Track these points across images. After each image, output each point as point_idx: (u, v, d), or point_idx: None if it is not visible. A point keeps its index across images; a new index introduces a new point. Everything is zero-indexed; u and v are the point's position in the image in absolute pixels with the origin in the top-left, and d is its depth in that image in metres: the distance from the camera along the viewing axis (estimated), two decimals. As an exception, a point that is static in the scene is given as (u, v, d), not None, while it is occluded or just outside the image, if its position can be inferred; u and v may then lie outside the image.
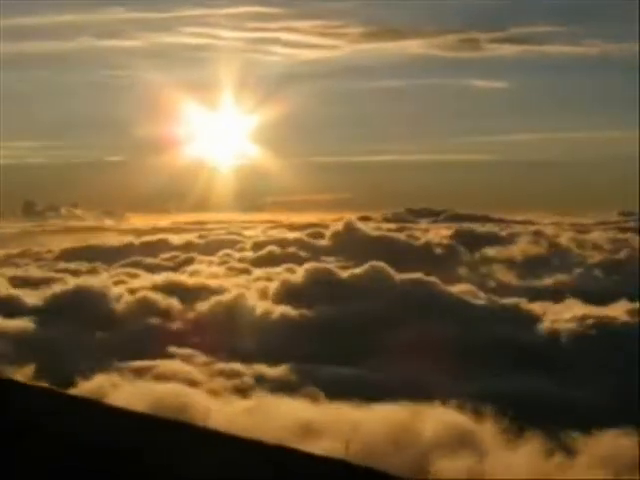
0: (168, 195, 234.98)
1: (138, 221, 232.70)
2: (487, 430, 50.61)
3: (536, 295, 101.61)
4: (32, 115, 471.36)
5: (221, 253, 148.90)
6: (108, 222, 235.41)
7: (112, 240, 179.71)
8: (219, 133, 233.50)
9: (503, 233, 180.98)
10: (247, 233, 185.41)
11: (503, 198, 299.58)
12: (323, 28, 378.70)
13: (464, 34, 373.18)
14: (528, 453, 47.25)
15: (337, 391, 59.62)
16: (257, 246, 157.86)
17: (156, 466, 11.38)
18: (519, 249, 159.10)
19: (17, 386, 14.04)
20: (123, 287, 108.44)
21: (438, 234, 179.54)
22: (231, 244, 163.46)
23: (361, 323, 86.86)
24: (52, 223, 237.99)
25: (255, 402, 59.33)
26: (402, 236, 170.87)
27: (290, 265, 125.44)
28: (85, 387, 58.93)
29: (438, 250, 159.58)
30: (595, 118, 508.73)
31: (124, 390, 59.51)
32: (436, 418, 52.19)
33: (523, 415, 51.15)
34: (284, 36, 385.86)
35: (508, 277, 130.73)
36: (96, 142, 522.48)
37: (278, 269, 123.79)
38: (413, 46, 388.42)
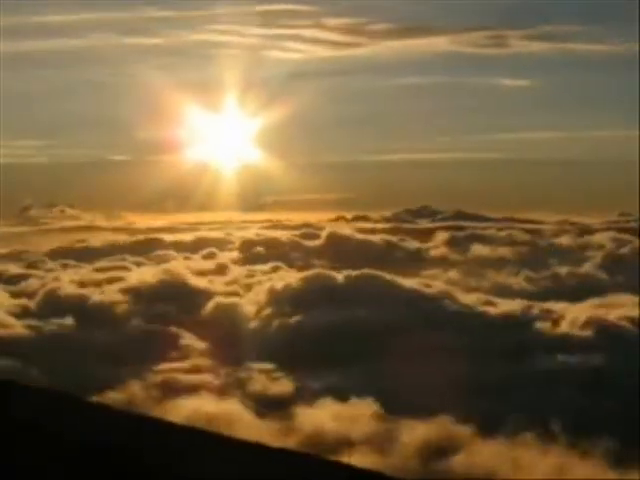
0: (168, 195, 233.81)
1: (135, 221, 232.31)
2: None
3: (530, 296, 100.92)
4: (30, 115, 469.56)
5: (205, 252, 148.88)
6: (105, 222, 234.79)
7: (105, 239, 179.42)
8: (228, 131, 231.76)
9: (502, 233, 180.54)
10: (240, 233, 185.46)
11: (513, 197, 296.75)
12: (349, 25, 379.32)
13: (489, 31, 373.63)
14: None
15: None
16: (245, 245, 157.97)
17: (156, 466, 11.38)
18: (515, 250, 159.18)
19: (17, 386, 14.01)
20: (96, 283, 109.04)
21: (431, 236, 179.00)
22: (221, 244, 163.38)
23: (335, 329, 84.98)
24: (48, 222, 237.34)
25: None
26: (395, 239, 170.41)
27: (276, 263, 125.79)
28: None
29: (428, 252, 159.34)
30: (617, 117, 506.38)
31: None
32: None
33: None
34: (310, 33, 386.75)
35: (501, 278, 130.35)
36: (100, 141, 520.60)
37: (261, 268, 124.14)
38: (437, 43, 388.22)
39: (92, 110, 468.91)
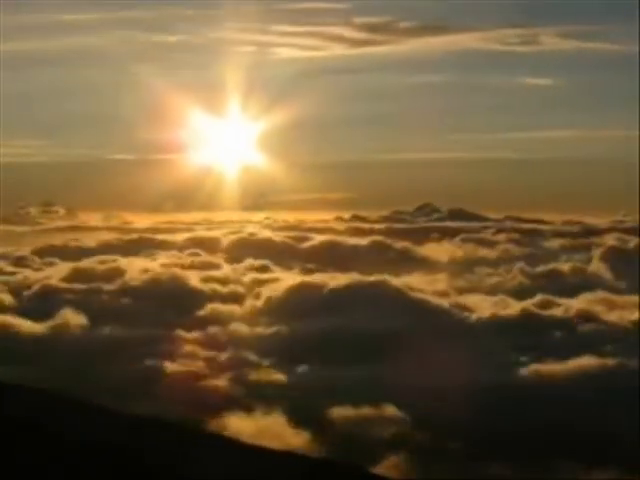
0: (166, 194, 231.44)
1: (133, 220, 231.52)
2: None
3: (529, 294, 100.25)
4: (38, 115, 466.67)
5: (199, 251, 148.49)
6: (101, 221, 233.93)
7: (99, 238, 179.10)
8: (231, 133, 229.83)
9: (501, 236, 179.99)
10: (236, 233, 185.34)
11: (522, 197, 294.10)
12: (375, 23, 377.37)
13: (516, 29, 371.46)
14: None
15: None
16: (239, 245, 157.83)
17: (156, 466, 11.37)
18: (505, 249, 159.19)
19: (17, 386, 14.02)
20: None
21: (430, 236, 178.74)
22: (216, 243, 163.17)
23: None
24: (44, 222, 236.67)
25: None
26: (389, 240, 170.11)
27: (263, 261, 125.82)
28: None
29: (424, 253, 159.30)
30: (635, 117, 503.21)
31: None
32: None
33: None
34: (336, 31, 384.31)
35: (500, 277, 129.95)
36: (101, 141, 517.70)
37: (252, 267, 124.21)
38: (464, 41, 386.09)
39: (94, 110, 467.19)
